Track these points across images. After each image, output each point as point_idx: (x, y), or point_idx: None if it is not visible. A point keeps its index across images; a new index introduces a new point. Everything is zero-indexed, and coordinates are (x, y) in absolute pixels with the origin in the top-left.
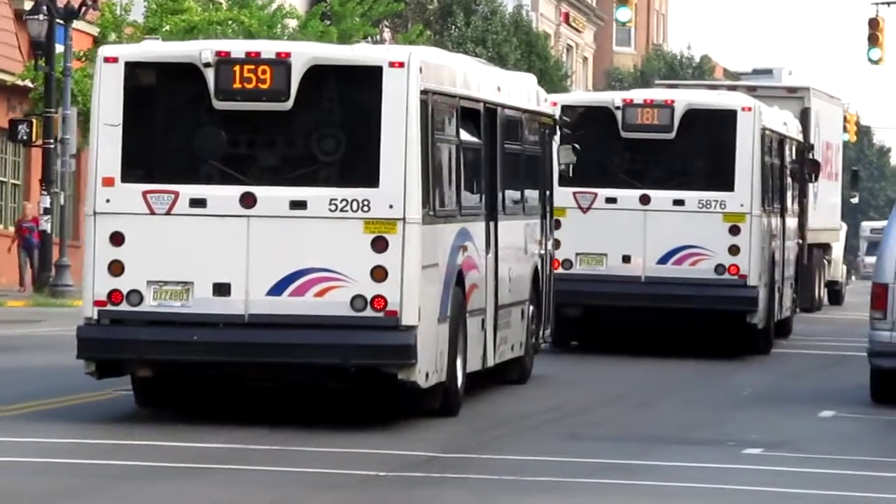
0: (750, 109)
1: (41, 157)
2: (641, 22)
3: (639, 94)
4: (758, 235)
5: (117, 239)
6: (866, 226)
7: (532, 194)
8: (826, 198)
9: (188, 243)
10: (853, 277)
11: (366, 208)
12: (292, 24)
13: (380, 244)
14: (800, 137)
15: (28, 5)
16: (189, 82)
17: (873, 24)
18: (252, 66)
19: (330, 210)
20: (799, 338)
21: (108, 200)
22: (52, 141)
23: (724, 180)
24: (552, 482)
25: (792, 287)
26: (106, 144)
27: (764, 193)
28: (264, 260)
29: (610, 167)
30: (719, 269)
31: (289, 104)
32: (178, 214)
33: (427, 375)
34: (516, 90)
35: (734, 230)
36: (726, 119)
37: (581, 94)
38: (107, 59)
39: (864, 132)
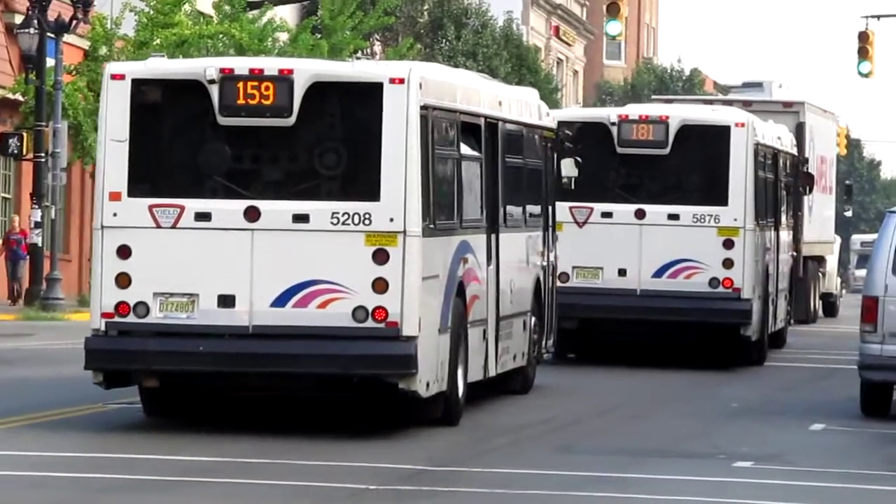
0: (743, 125)
1: (32, 171)
2: (631, 35)
3: (634, 110)
4: (751, 249)
5: (124, 252)
6: (857, 239)
7: (534, 207)
8: (820, 211)
9: (193, 256)
10: (844, 290)
11: (367, 221)
12: (283, 37)
13: (381, 256)
14: (794, 151)
15: (19, 19)
16: (194, 99)
17: (863, 37)
18: (255, 83)
19: (332, 223)
20: (793, 350)
21: (115, 214)
22: (42, 154)
23: (718, 195)
24: (541, 495)
25: (786, 299)
26: (113, 160)
27: (757, 207)
28: (268, 272)
29: (605, 182)
30: (713, 282)
31: (291, 120)
32: (183, 228)
33: (428, 385)
34: (518, 105)
35: (728, 244)
36: (720, 134)
37: (577, 110)
38: (113, 77)
39: (854, 145)
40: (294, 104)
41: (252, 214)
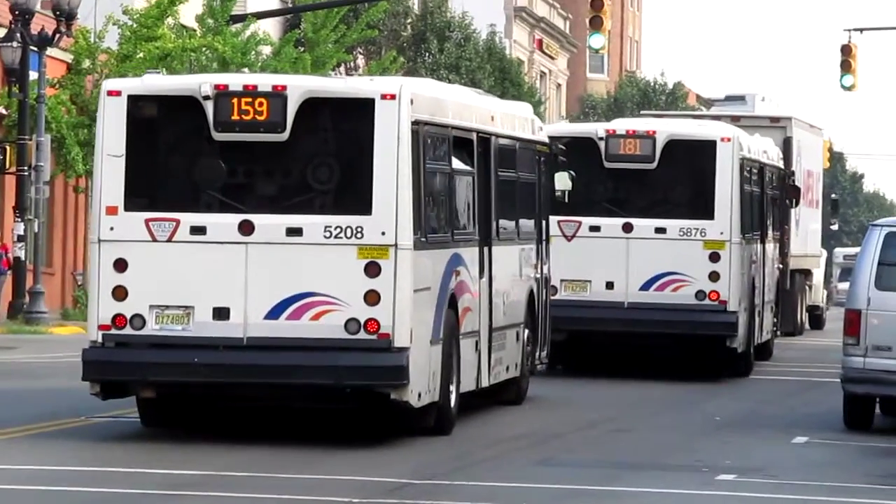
0: (729, 139)
1: (15, 184)
2: (615, 49)
3: (621, 125)
4: (737, 262)
5: (121, 265)
6: (839, 252)
7: (527, 221)
8: (807, 224)
9: (189, 269)
10: (829, 304)
11: (359, 235)
12: (266, 50)
13: (373, 269)
14: (780, 165)
15: (2, 32)
16: (189, 114)
17: (846, 50)
18: (249, 99)
19: (325, 237)
20: (779, 362)
21: (111, 228)
22: (25, 168)
23: (704, 209)
24: None
25: (772, 312)
26: (110, 174)
27: (743, 221)
28: (262, 285)
29: (593, 196)
30: (700, 294)
31: (285, 135)
32: (179, 241)
33: (419, 395)
34: (511, 119)
35: (714, 257)
36: (706, 149)
37: (565, 125)
38: (110, 93)
39: (836, 158)
40: (287, 120)
41: (246, 228)
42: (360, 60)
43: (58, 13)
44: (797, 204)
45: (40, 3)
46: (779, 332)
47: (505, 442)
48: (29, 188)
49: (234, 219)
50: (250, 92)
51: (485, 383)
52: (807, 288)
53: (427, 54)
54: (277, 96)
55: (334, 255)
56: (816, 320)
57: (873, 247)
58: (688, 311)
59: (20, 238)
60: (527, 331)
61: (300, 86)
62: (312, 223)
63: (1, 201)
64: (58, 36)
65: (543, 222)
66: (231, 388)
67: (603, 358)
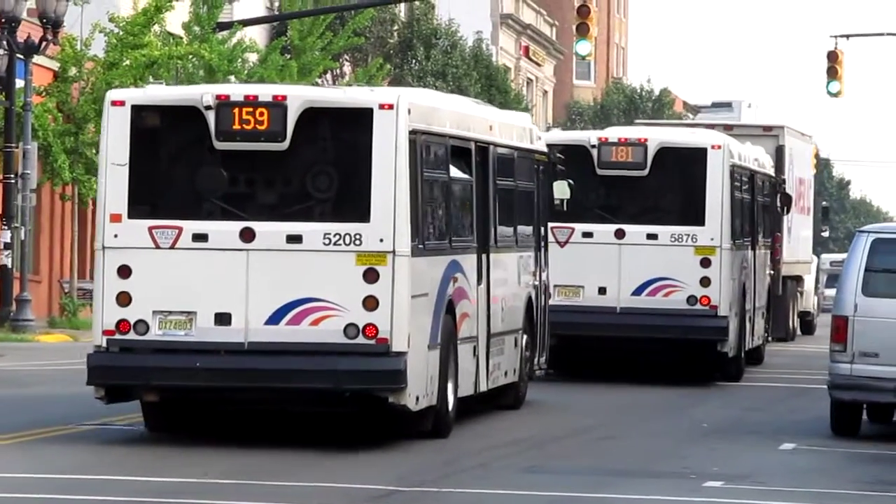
0: (719, 147)
1: (1, 192)
2: (601, 55)
3: (613, 133)
4: (728, 267)
5: (125, 272)
6: (826, 258)
7: (525, 228)
8: (798, 231)
9: (191, 275)
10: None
11: (358, 242)
12: (252, 58)
13: (371, 276)
14: (771, 173)
15: None
16: (191, 124)
17: (832, 56)
18: (250, 109)
19: (324, 244)
20: (770, 367)
21: (115, 235)
22: (12, 176)
23: (695, 215)
24: None
25: (764, 317)
26: (114, 183)
27: (734, 227)
28: (263, 291)
29: (586, 203)
30: (691, 299)
31: (285, 144)
32: (181, 248)
33: (417, 399)
34: (509, 129)
35: (705, 263)
36: (697, 156)
37: (558, 133)
38: (114, 103)
39: (823, 165)
40: (287, 129)
41: (247, 235)
42: (347, 68)
43: (44, 21)
44: (788, 211)
45: (26, 10)
46: (770, 338)
47: (496, 448)
48: (15, 196)
49: (236, 226)
50: (251, 102)
51: (483, 388)
52: (798, 294)
53: (414, 61)
54: (277, 106)
55: (333, 262)
56: (808, 326)
57: (860, 253)
58: (679, 316)
59: (7, 246)
60: (525, 337)
61: (300, 96)
62: (312, 230)
63: None
64: (44, 44)
65: (542, 230)
66: (232, 392)
67: (596, 362)
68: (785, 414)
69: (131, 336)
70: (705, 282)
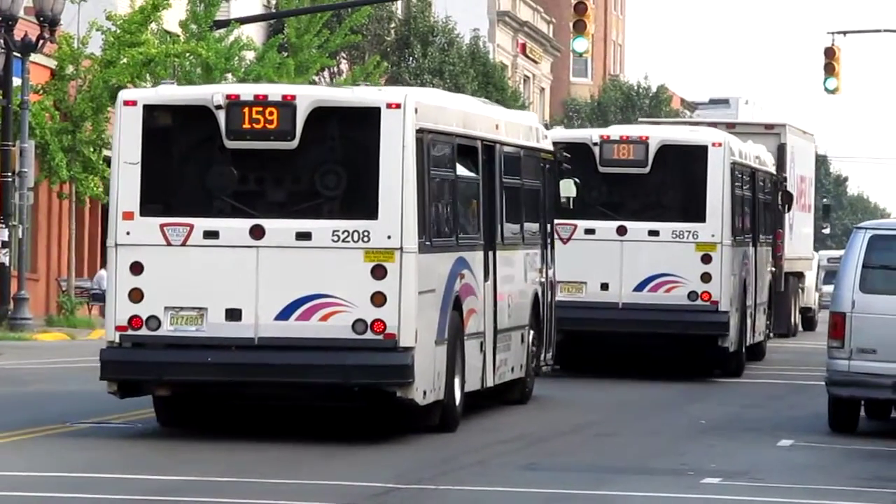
0: (720, 145)
1: None
2: (598, 52)
3: (615, 131)
4: (728, 263)
5: (137, 268)
6: (823, 255)
7: (532, 225)
8: (800, 228)
9: (202, 272)
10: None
11: (366, 239)
12: (250, 56)
13: (379, 272)
14: (773, 170)
15: None
16: (202, 123)
17: (829, 53)
18: (260, 108)
19: (333, 241)
20: (771, 362)
21: (128, 233)
22: (9, 174)
23: (696, 212)
24: None
25: (765, 313)
26: (126, 181)
27: (734, 224)
28: (272, 287)
29: (588, 200)
30: (692, 295)
31: (294, 143)
32: (192, 245)
33: (425, 393)
34: (515, 128)
35: (706, 259)
36: (698, 154)
37: (560, 131)
38: (126, 103)
39: (821, 161)
40: (297, 128)
41: (257, 232)
42: (344, 65)
43: (41, 19)
44: (790, 209)
45: (24, 9)
46: (772, 334)
47: (497, 444)
48: (13, 194)
49: (246, 223)
50: (261, 101)
51: (490, 383)
52: (800, 290)
53: (411, 59)
54: (287, 106)
55: (342, 259)
56: (809, 322)
57: (858, 250)
58: (680, 312)
59: (4, 244)
60: (532, 332)
61: (309, 95)
62: (321, 228)
63: None
64: (41, 42)
65: (548, 227)
66: (243, 387)
67: (600, 358)
68: (783, 410)
69: (143, 332)
70: (706, 278)
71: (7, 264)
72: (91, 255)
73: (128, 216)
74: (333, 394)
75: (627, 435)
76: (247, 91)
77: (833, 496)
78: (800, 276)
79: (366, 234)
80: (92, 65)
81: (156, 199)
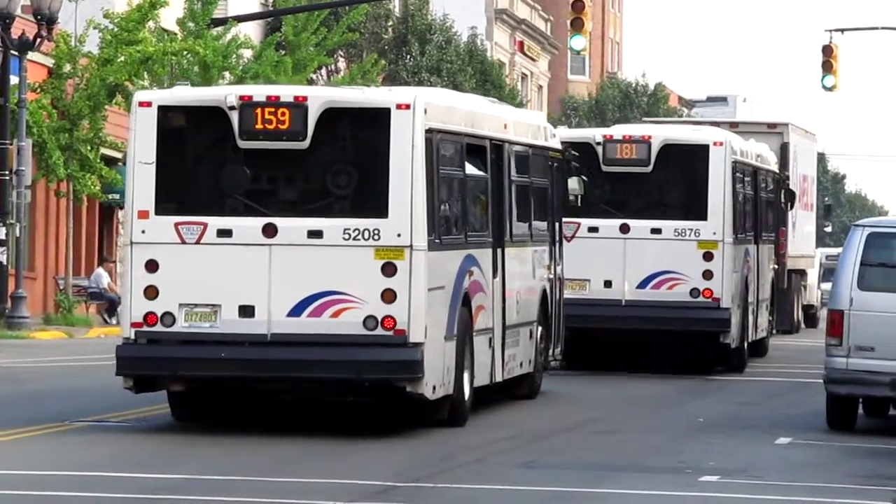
0: (721, 144)
1: None
2: (596, 50)
3: (618, 131)
4: (730, 261)
5: (152, 266)
6: (822, 252)
7: (540, 223)
8: (803, 226)
9: (216, 269)
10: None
11: (376, 237)
12: (247, 54)
13: (389, 269)
14: (775, 169)
15: None
16: (216, 124)
17: (827, 51)
18: (272, 109)
19: (344, 239)
20: (773, 359)
21: (143, 231)
22: (6, 172)
23: (698, 210)
24: None
25: (767, 310)
26: (141, 181)
27: (736, 222)
28: (285, 284)
29: (591, 198)
30: (694, 292)
31: (306, 143)
32: (206, 243)
33: (434, 388)
34: (523, 127)
35: (708, 256)
36: (699, 153)
37: (563, 131)
38: (141, 104)
39: (819, 159)
40: (308, 128)
41: (270, 231)
42: (341, 63)
43: (39, 17)
44: (792, 207)
45: (21, 7)
46: (774, 331)
47: (498, 442)
48: (10, 192)
49: (259, 222)
50: (273, 102)
51: (498, 378)
52: (802, 287)
53: (408, 57)
54: (298, 106)
55: (353, 256)
56: (811, 319)
57: (856, 247)
58: (683, 308)
59: (2, 242)
60: (540, 328)
61: (320, 96)
62: (332, 226)
63: None
64: (39, 40)
65: (556, 225)
66: (256, 382)
67: (604, 354)
68: (782, 408)
69: (158, 328)
70: (708, 275)
71: (5, 263)
72: (88, 253)
73: (143, 215)
74: (344, 389)
75: (627, 432)
76: (259, 92)
77: (831, 494)
78: (802, 273)
79: (376, 232)
80: (89, 63)
81: (170, 199)
